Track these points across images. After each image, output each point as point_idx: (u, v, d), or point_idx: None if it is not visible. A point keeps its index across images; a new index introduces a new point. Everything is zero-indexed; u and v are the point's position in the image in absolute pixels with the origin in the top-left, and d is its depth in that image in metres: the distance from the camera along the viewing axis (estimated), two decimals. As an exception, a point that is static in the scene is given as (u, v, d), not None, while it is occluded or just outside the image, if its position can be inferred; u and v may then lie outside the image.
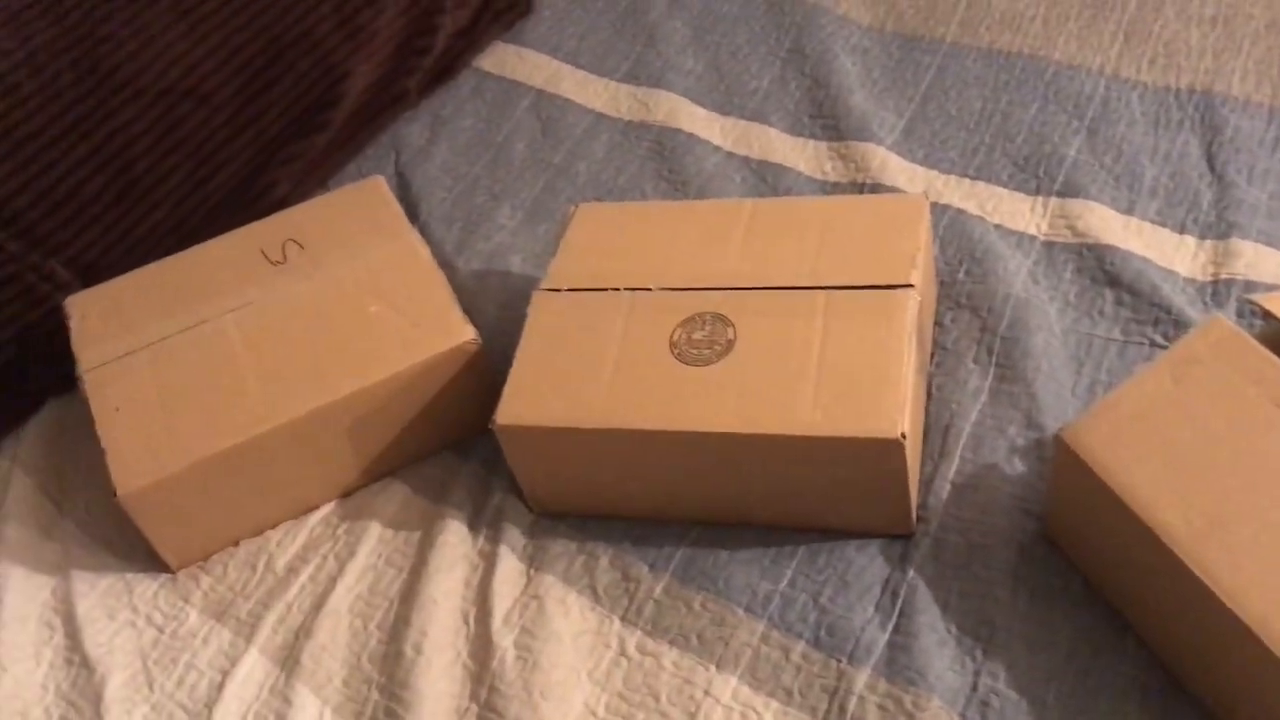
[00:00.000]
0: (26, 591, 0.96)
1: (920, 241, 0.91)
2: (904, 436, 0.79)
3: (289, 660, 0.88)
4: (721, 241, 0.95)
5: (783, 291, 0.90)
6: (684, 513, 0.90)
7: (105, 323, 1.02)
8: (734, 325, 0.88)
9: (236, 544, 0.97)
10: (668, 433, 0.84)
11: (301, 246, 1.05)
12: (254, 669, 0.88)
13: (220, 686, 0.88)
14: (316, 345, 0.97)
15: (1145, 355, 0.93)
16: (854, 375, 0.83)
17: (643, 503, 0.91)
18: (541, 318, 0.93)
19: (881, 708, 0.77)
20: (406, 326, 0.97)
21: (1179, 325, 0.93)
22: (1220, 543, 0.69)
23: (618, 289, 0.93)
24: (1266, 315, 0.81)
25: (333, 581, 0.92)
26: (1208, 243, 1.00)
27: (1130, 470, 0.73)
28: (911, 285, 0.87)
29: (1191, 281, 0.98)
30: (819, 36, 1.28)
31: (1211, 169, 1.05)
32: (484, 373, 0.98)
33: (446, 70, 1.37)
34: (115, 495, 0.90)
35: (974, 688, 0.77)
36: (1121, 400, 0.76)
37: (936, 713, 0.76)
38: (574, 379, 0.88)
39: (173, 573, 0.96)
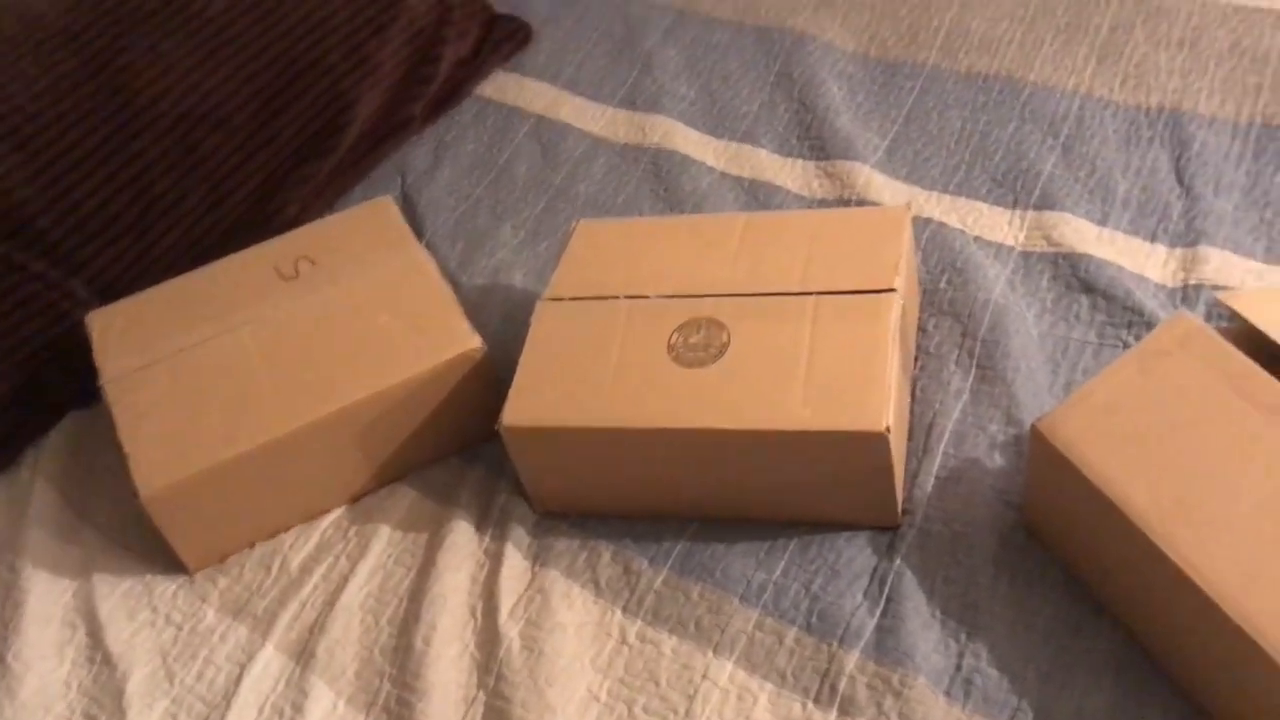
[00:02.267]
0: (49, 594, 1.00)
1: (902, 249, 0.96)
2: (889, 430, 0.84)
3: (304, 654, 0.92)
4: (716, 251, 1.00)
5: (774, 297, 0.95)
6: (682, 509, 0.94)
7: (126, 336, 1.06)
8: (728, 329, 0.93)
9: (252, 546, 1.01)
10: (666, 430, 0.89)
11: (313, 262, 1.10)
12: (270, 663, 0.92)
13: (238, 680, 0.91)
14: (329, 354, 1.01)
15: (1118, 356, 0.98)
16: (841, 374, 0.88)
17: (642, 500, 0.95)
18: (545, 325, 0.98)
19: (870, 687, 0.81)
20: (415, 335, 1.01)
21: (1151, 328, 0.98)
22: (1187, 523, 0.73)
23: (617, 297, 0.98)
24: (1232, 313, 0.85)
25: (345, 580, 0.96)
26: (1177, 250, 1.05)
27: (1101, 457, 0.78)
28: (894, 289, 0.92)
29: (1162, 287, 1.02)
30: (806, 63, 1.34)
31: (1180, 182, 1.11)
32: (489, 380, 1.02)
33: (450, 97, 1.42)
34: (137, 497, 0.94)
35: (958, 667, 0.81)
36: (1093, 392, 0.81)
37: (922, 691, 0.80)
38: (577, 381, 0.93)
39: (190, 574, 1.00)
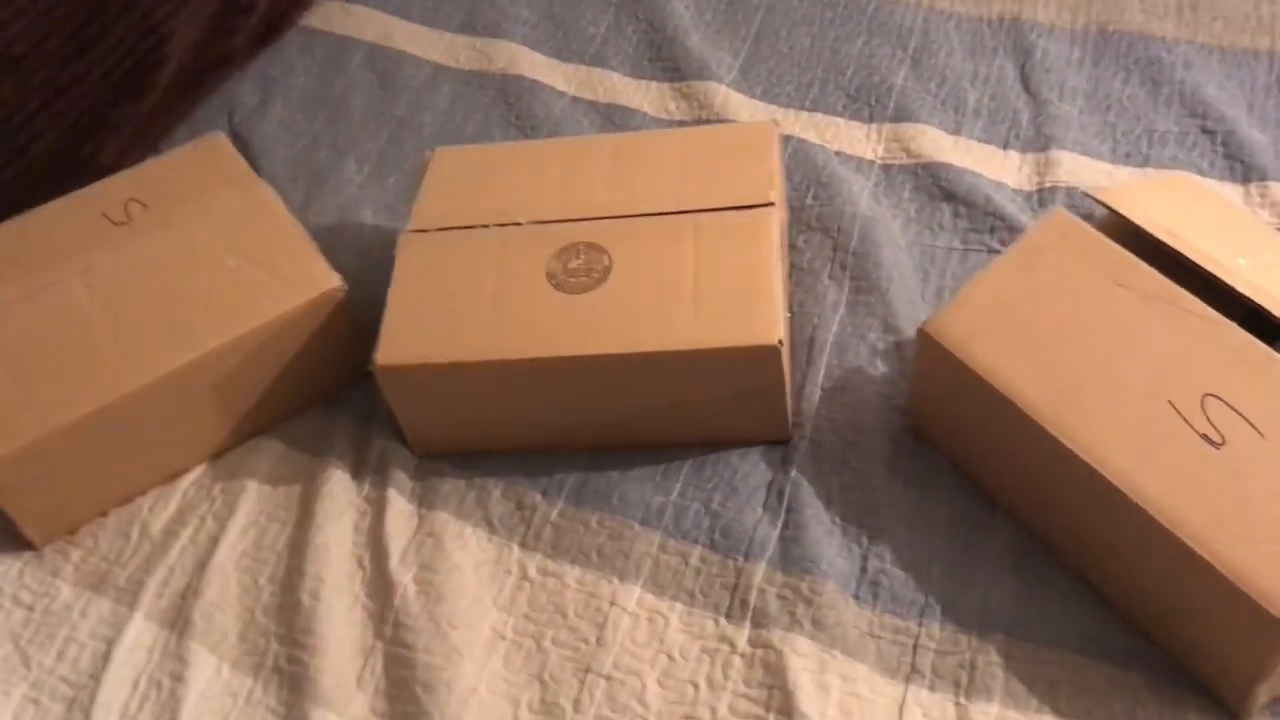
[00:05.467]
0: (-128, 584, 0.90)
1: (775, 164, 0.95)
2: (781, 342, 0.83)
3: (178, 621, 0.86)
4: (586, 175, 0.97)
5: (653, 218, 0.92)
6: (571, 441, 0.92)
7: (-64, 295, 0.96)
8: (608, 253, 0.90)
9: (105, 514, 0.94)
10: (553, 359, 0.86)
11: (145, 205, 1.01)
12: (141, 635, 0.85)
13: (106, 656, 0.84)
14: (175, 302, 0.94)
15: (984, 260, 1.00)
16: (729, 290, 0.86)
17: (530, 435, 0.92)
18: (411, 258, 0.93)
19: (781, 597, 0.81)
20: (268, 278, 0.95)
21: (1012, 230, 1.01)
22: (1077, 409, 0.75)
23: (487, 225, 0.94)
24: (1106, 208, 0.88)
25: (214, 541, 0.90)
26: (1030, 155, 1.08)
27: (989, 354, 0.79)
28: (772, 204, 0.91)
29: (1019, 191, 1.05)
30: (650, -18, 1.31)
31: (1026, 89, 1.14)
32: (350, 322, 0.97)
33: (272, 29, 1.33)
34: (-30, 470, 0.85)
35: (863, 570, 0.82)
36: (975, 292, 0.82)
37: (832, 595, 0.80)
38: (452, 315, 0.89)
39: (37, 549, 0.92)
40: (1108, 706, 0.74)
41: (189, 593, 0.87)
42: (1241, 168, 1.03)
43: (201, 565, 0.89)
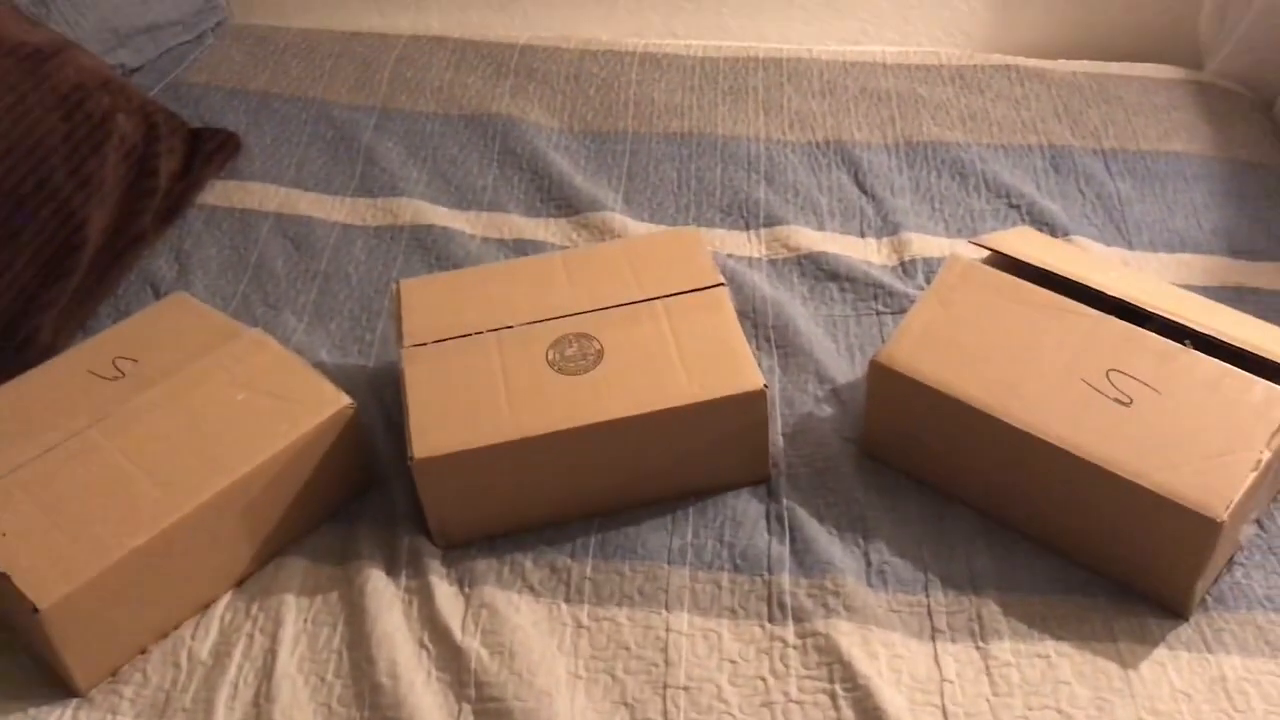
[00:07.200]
0: (-85, 757, 0.88)
1: (709, 256, 1.13)
2: (766, 386, 0.99)
3: (260, 725, 0.89)
4: (549, 283, 1.12)
5: (624, 307, 1.08)
6: (584, 509, 1.03)
7: (-61, 466, 0.97)
8: (597, 339, 1.05)
9: (145, 651, 0.96)
10: (572, 430, 0.98)
11: (135, 360, 1.07)
12: (226, 745, 0.88)
13: (196, 770, 0.87)
14: (196, 438, 0.99)
15: (875, 321, 1.21)
16: (709, 352, 1.02)
17: (548, 508, 1.02)
18: (418, 367, 1.04)
19: (811, 595, 0.95)
20: (280, 404, 1.02)
21: (892, 296, 1.23)
22: (1014, 398, 0.95)
23: (480, 332, 1.06)
24: (989, 249, 1.10)
25: (269, 653, 0.94)
26: (885, 239, 1.32)
27: (935, 370, 0.98)
28: (723, 284, 1.09)
29: (885, 267, 1.28)
30: (522, 140, 1.49)
31: (864, 191, 1.38)
32: (358, 439, 1.05)
33: (173, 210, 1.41)
34: (36, 612, 0.87)
35: (869, 563, 0.97)
36: (910, 327, 1.02)
37: (853, 586, 0.95)
38: (471, 407, 1.00)
39: (80, 695, 0.93)
40: (1090, 625, 0.92)
41: (261, 699, 0.91)
42: (1048, 229, 1.30)
43: (266, 675, 0.93)
